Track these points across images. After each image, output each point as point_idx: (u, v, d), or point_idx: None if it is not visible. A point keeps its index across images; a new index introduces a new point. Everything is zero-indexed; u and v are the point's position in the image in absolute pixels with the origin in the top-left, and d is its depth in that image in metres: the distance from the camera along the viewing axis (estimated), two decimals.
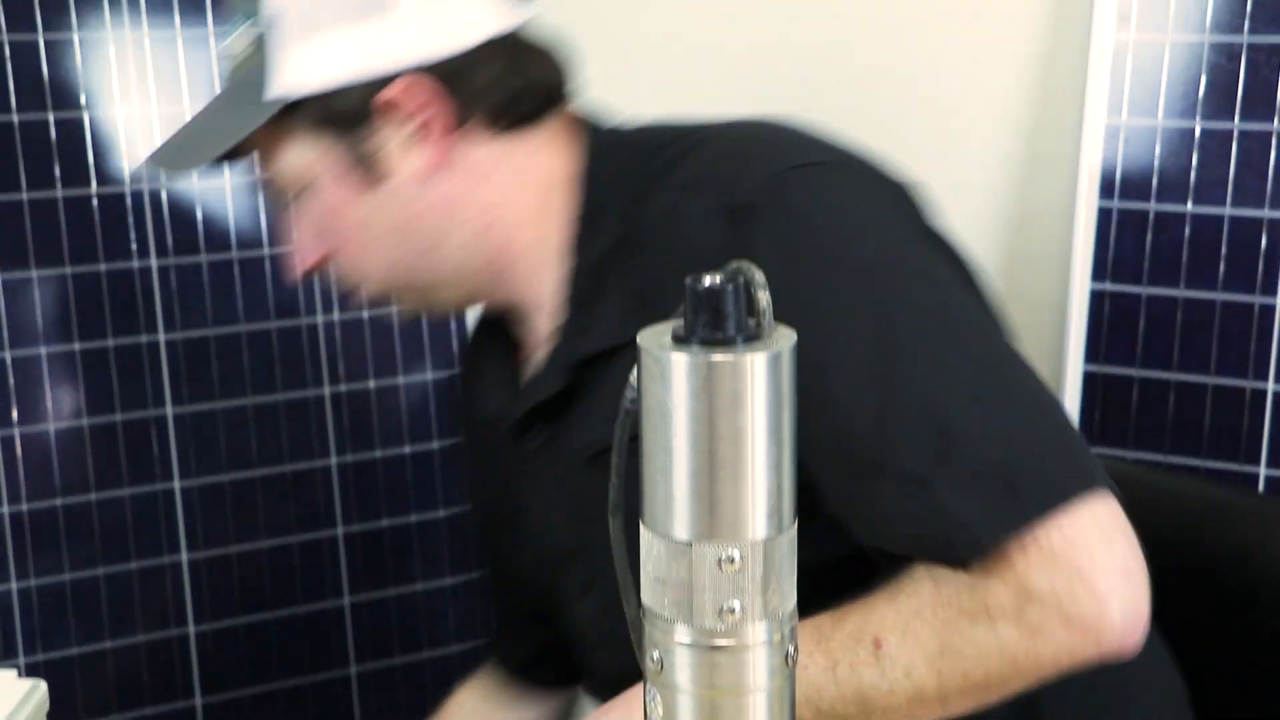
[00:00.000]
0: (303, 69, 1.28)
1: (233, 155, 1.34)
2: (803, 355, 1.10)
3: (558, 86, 1.36)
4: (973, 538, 1.13)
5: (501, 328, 1.45)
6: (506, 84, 1.31)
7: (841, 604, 1.18)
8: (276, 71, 1.29)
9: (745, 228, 1.19)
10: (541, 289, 1.34)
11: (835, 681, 1.15)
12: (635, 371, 0.70)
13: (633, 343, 1.12)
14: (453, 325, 2.20)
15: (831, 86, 2.09)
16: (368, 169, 1.30)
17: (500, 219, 1.33)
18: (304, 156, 1.31)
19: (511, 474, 1.45)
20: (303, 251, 1.36)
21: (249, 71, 1.31)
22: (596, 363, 1.29)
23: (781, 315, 1.15)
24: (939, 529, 1.14)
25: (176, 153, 1.38)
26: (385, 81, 1.28)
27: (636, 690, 1.17)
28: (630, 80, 2.23)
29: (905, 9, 2.10)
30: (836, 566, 1.21)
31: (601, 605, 1.34)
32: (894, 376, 1.16)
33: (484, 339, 1.50)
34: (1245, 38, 1.84)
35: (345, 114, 1.29)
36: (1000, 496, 1.13)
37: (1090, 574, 1.11)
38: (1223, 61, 1.86)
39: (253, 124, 1.30)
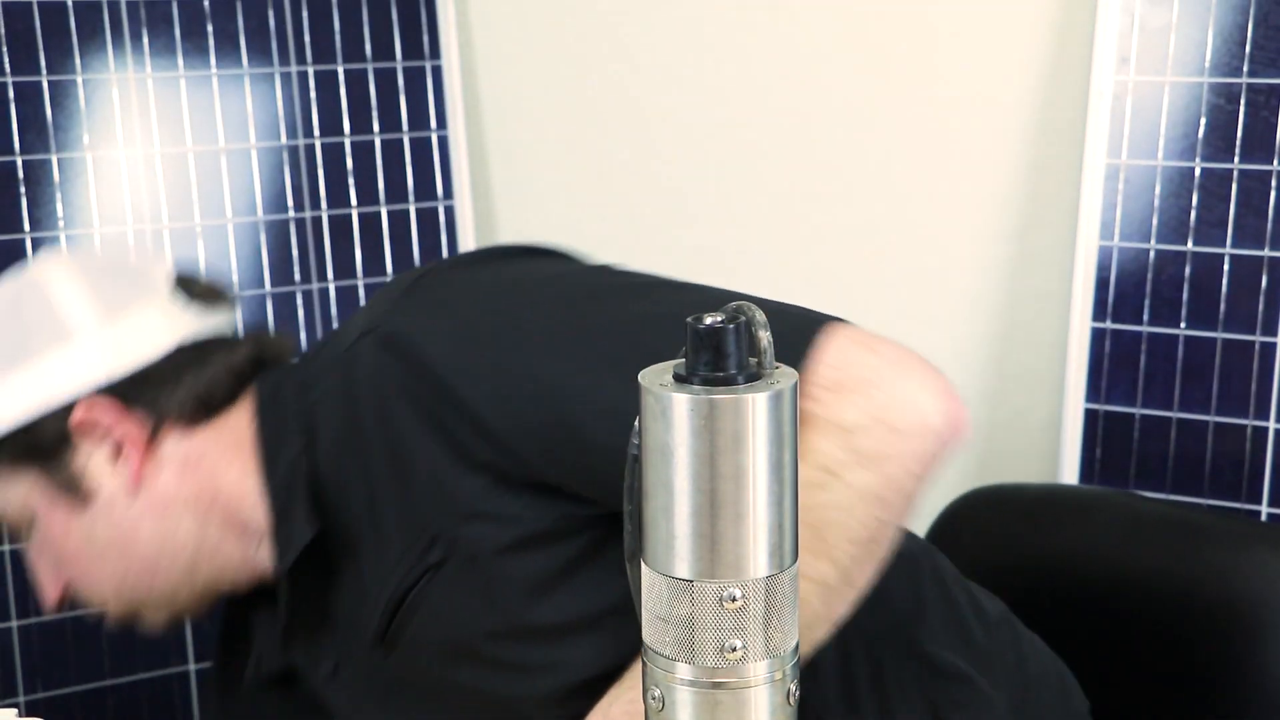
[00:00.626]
0: None
1: None
2: (505, 394, 1.14)
3: (245, 367, 1.39)
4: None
5: (259, 599, 1.46)
6: (192, 385, 1.35)
7: None
8: None
9: (395, 351, 1.23)
10: (263, 553, 1.37)
11: None
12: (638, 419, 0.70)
13: (327, 528, 1.23)
14: None
15: (832, 127, 2.10)
16: (75, 491, 1.33)
17: (219, 490, 1.35)
18: (16, 492, 1.35)
19: (303, 711, 1.46)
20: (45, 583, 1.39)
21: None
22: (321, 559, 1.31)
23: (471, 377, 1.16)
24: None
25: None
26: (71, 407, 1.31)
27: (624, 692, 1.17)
28: (637, 81, 2.23)
29: (906, 50, 2.11)
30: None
31: None
32: (577, 364, 1.19)
33: (236, 607, 1.50)
34: (1244, 79, 1.85)
35: (42, 444, 1.32)
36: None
37: (880, 381, 1.11)
38: (1222, 102, 1.87)
39: None
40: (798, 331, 1.13)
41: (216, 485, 1.34)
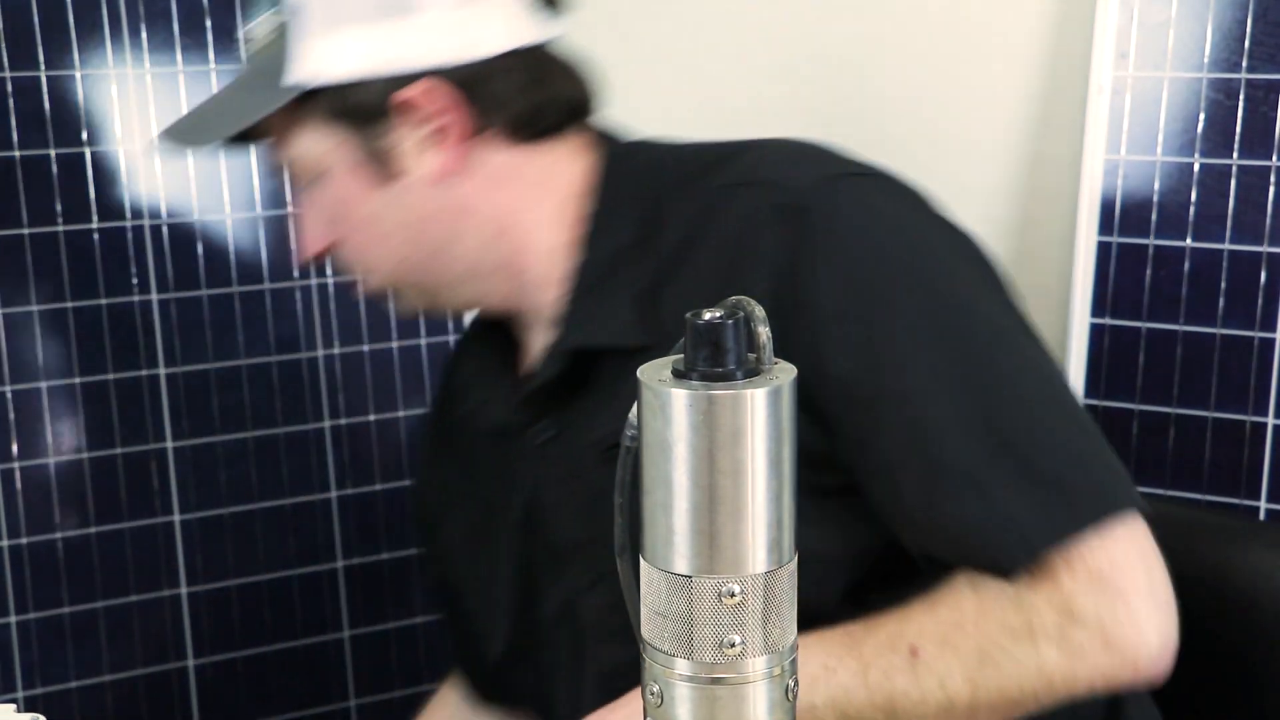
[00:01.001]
0: (323, 60, 1.28)
1: (247, 137, 1.34)
2: (868, 360, 1.11)
3: (580, 102, 1.36)
4: (1025, 540, 1.14)
5: (501, 331, 1.45)
6: (527, 96, 1.31)
7: (876, 613, 1.18)
8: (296, 60, 1.29)
9: (799, 227, 1.19)
10: (549, 293, 1.34)
11: (866, 686, 1.14)
12: (635, 409, 0.70)
13: (653, 345, 1.13)
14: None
15: (831, 123, 2.10)
16: (381, 165, 1.30)
17: (515, 225, 1.33)
18: (318, 146, 1.31)
19: (505, 469, 1.44)
20: (309, 237, 1.36)
21: (269, 57, 1.31)
22: (608, 359, 1.28)
23: (846, 317, 1.16)
24: (991, 530, 1.15)
25: (190, 130, 1.38)
26: (404, 81, 1.28)
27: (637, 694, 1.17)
28: (636, 79, 2.23)
29: (905, 45, 2.11)
30: (871, 564, 1.22)
31: (611, 599, 1.33)
32: (954, 379, 1.17)
33: (478, 341, 1.49)
34: (1243, 74, 1.85)
35: (362, 108, 1.29)
36: (1054, 502, 1.14)
37: (1133, 598, 1.12)
38: (1221, 98, 1.87)
39: (268, 108, 1.30)
40: (1111, 498, 1.15)
41: (516, 218, 1.32)
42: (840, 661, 1.15)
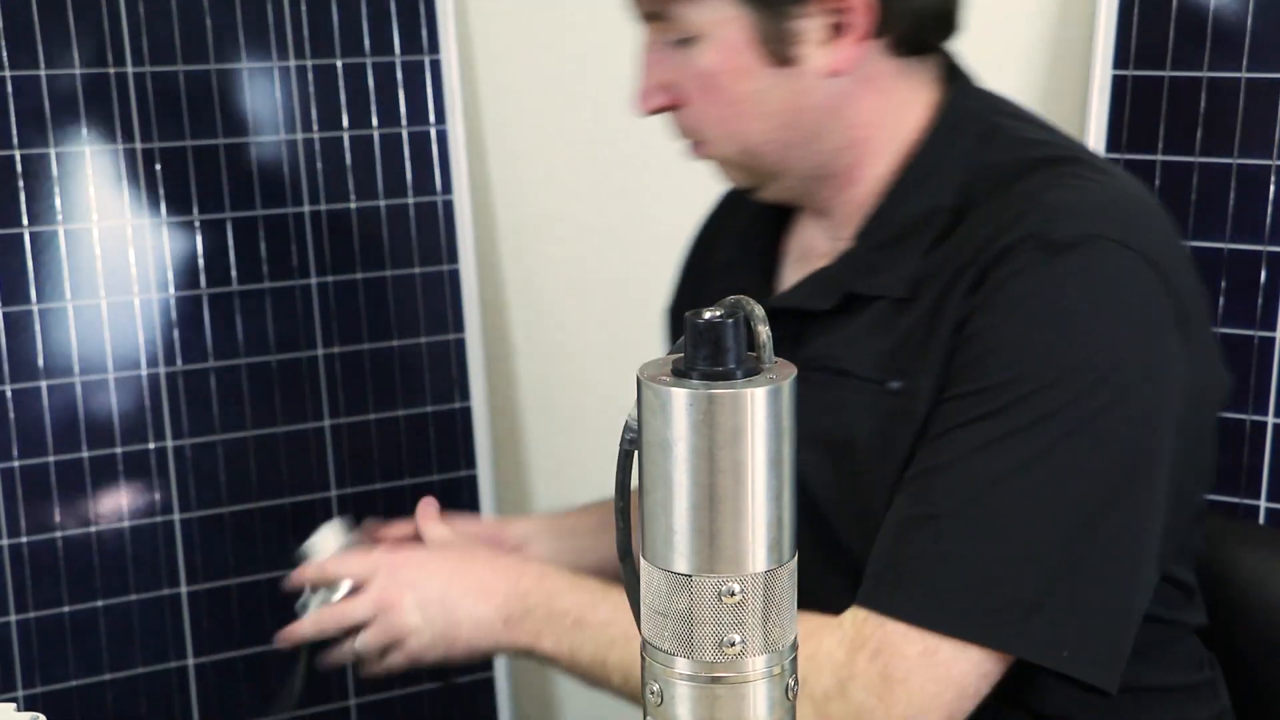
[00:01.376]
0: None
1: None
2: (959, 396, 1.16)
3: (952, 21, 1.35)
4: (887, 594, 1.17)
5: (780, 212, 1.45)
6: (929, 7, 1.31)
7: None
8: None
9: (1022, 262, 1.19)
10: (855, 213, 1.35)
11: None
12: (635, 409, 0.70)
13: (912, 299, 1.22)
14: (453, 362, 2.20)
15: None
16: (779, 46, 1.28)
17: (867, 139, 1.33)
18: (714, 13, 1.29)
19: None
20: (654, 93, 1.34)
21: None
22: (869, 299, 1.30)
23: (979, 351, 1.17)
24: (891, 565, 1.18)
25: None
26: None
27: None
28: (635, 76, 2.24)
29: None
30: None
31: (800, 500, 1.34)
32: (999, 479, 1.17)
33: (758, 209, 1.47)
34: (1243, 74, 1.85)
35: None
36: (939, 587, 1.16)
37: (901, 715, 1.15)
38: (1221, 98, 1.87)
39: None
40: (989, 623, 1.16)
41: (870, 132, 1.32)
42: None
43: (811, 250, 1.40)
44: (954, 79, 1.36)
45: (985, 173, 1.28)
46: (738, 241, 1.50)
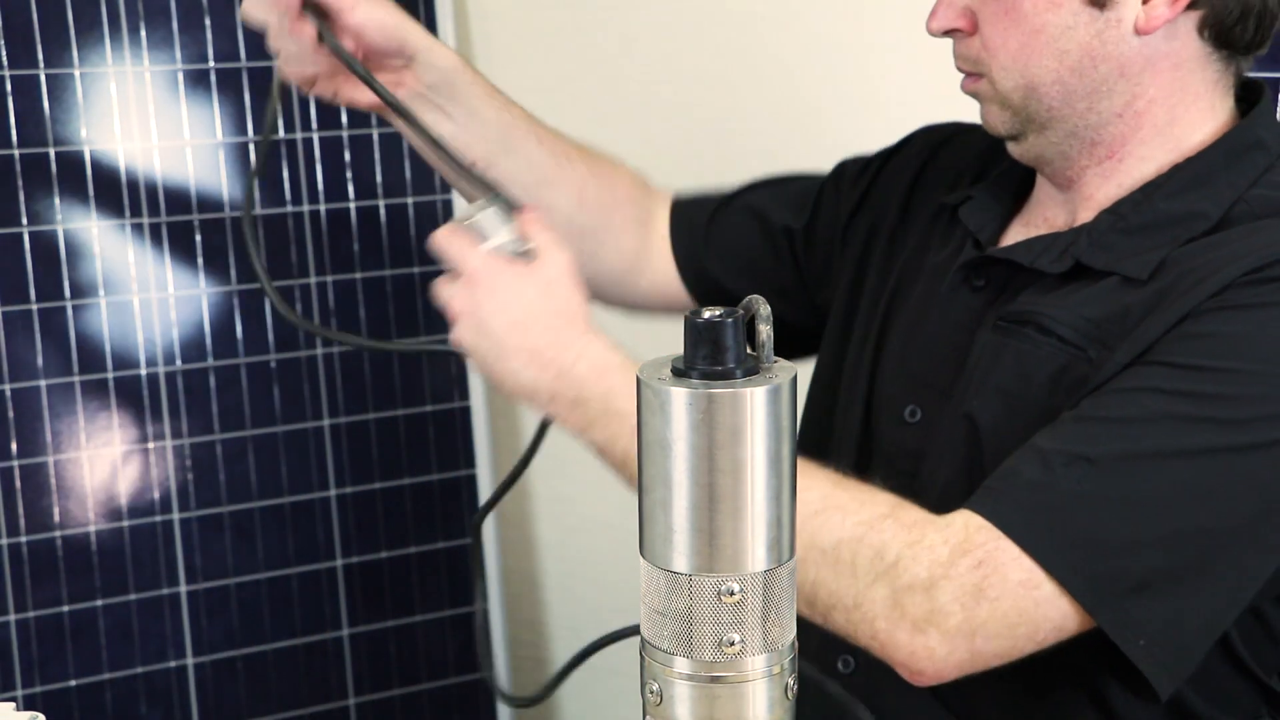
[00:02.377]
0: None
1: None
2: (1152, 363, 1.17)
3: (1268, 25, 1.32)
4: (1005, 508, 1.15)
5: (1019, 175, 1.44)
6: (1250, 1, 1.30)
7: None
8: None
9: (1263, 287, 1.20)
10: (1104, 189, 1.34)
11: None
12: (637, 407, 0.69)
13: (1144, 282, 1.22)
14: (452, 362, 2.20)
15: (831, 121, 2.10)
16: None
17: (1146, 114, 1.32)
18: None
19: (914, 269, 1.46)
20: (948, 12, 1.33)
21: None
22: (1099, 273, 1.29)
23: (1211, 337, 1.17)
24: (1004, 479, 1.17)
25: None
26: None
27: None
28: (635, 76, 2.23)
29: (906, 44, 2.11)
30: None
31: (947, 450, 1.35)
32: (1148, 451, 1.17)
33: (1004, 161, 1.45)
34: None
35: None
36: (1055, 516, 1.15)
37: (973, 633, 1.14)
38: None
39: None
40: (1092, 579, 1.15)
41: (1152, 110, 1.31)
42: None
43: (1039, 214, 1.40)
44: (1255, 103, 1.35)
45: (1256, 200, 1.28)
46: (978, 181, 1.48)
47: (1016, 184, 1.44)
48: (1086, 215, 1.34)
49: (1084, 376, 1.23)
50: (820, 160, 1.65)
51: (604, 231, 1.60)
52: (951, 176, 1.52)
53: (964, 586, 1.14)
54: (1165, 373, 1.18)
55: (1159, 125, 1.32)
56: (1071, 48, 1.29)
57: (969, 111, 1.41)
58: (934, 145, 1.56)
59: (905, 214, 1.52)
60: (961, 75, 1.36)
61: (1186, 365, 1.17)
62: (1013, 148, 1.35)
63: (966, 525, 1.16)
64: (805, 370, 1.40)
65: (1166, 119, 1.31)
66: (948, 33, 1.34)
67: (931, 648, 1.14)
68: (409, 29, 1.42)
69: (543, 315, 1.27)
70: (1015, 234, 1.40)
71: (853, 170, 1.60)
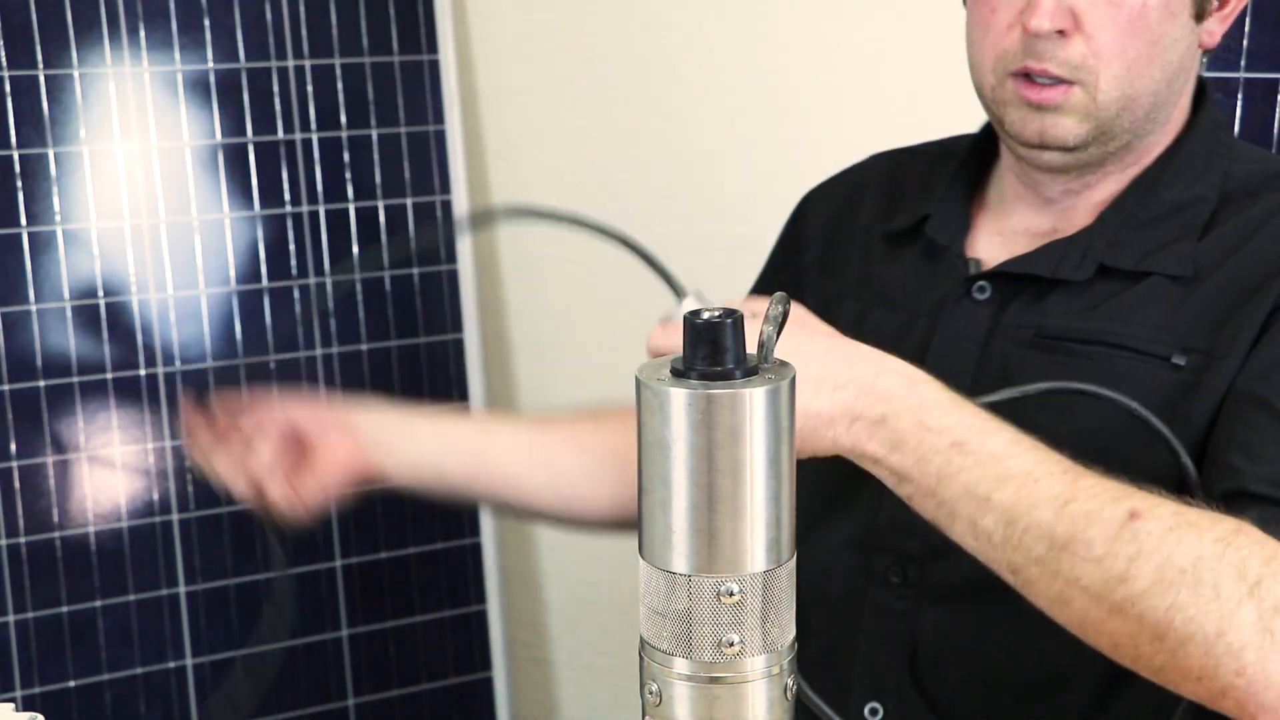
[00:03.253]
0: None
1: None
2: None
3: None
4: None
5: (977, 168, 1.44)
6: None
7: None
8: None
9: None
10: (1106, 189, 1.34)
11: (1056, 511, 1.06)
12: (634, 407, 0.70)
13: (1194, 278, 1.24)
14: (451, 362, 2.20)
15: (831, 122, 2.10)
16: (1197, 3, 1.30)
17: (1171, 120, 1.34)
18: None
19: (891, 290, 1.43)
20: (1056, 11, 1.28)
21: None
22: (1131, 274, 1.29)
23: None
24: None
25: None
26: None
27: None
28: (634, 75, 2.23)
29: (906, 44, 2.11)
30: None
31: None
32: None
33: (952, 168, 1.46)
34: (1242, 74, 1.85)
35: None
36: None
37: None
38: (1219, 97, 1.87)
39: None
40: None
41: (1177, 112, 1.34)
42: (1049, 478, 1.07)
43: (1014, 222, 1.39)
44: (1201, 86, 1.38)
45: (1242, 175, 1.30)
46: (933, 204, 1.45)
47: (967, 191, 1.43)
48: (1083, 216, 1.33)
49: (1179, 383, 1.22)
50: (820, 161, 1.65)
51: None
52: (881, 208, 1.49)
53: None
54: None
55: (1173, 125, 1.34)
56: (1173, 59, 1.28)
57: (959, 112, 1.41)
58: (837, 203, 1.55)
59: (825, 267, 1.50)
60: (1019, 79, 1.30)
61: None
62: (1053, 157, 1.30)
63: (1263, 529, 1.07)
64: None
65: (1177, 118, 1.34)
66: (1049, 33, 1.28)
67: None
68: (381, 453, 1.45)
69: (815, 345, 1.16)
70: (989, 243, 1.39)
71: (776, 264, 1.59)
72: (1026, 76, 1.27)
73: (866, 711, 1.32)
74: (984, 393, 1.22)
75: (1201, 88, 1.37)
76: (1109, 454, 1.14)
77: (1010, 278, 1.32)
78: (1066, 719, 1.26)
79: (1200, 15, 1.28)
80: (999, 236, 1.39)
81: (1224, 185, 1.30)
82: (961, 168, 1.42)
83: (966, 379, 1.30)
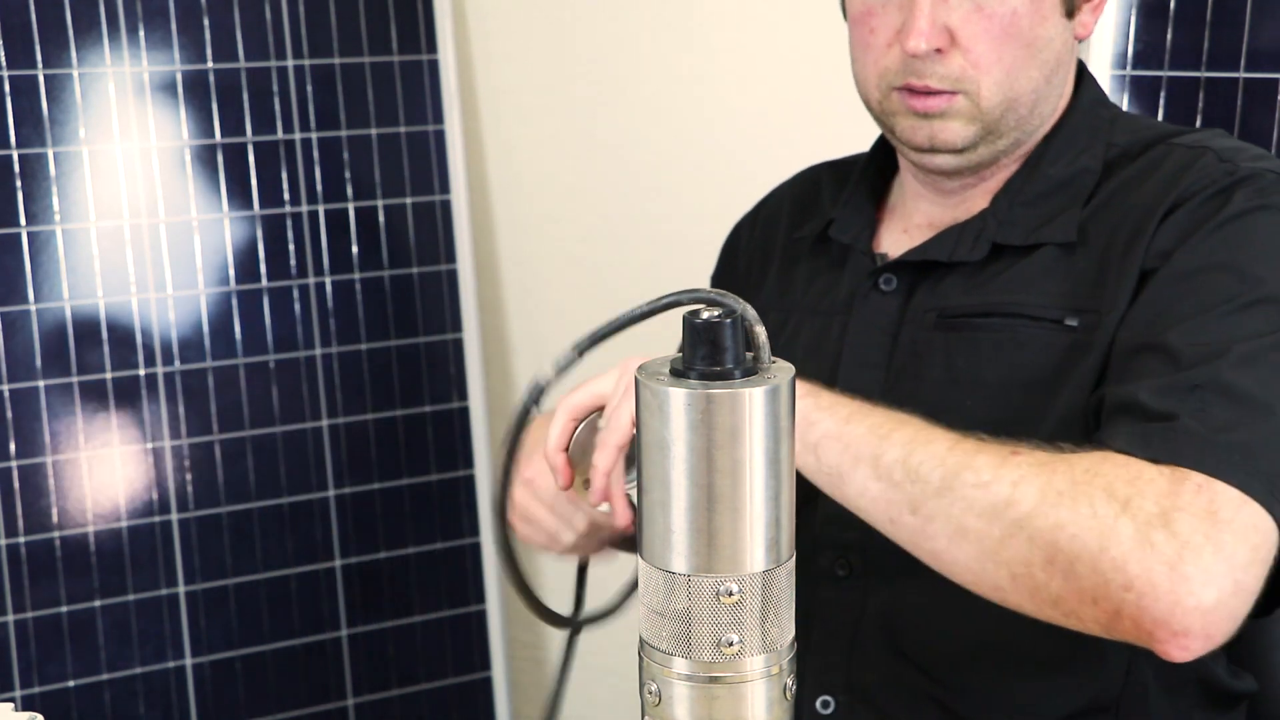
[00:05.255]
0: None
1: None
2: (1185, 261, 1.20)
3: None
4: (1189, 448, 1.12)
5: (876, 174, 1.48)
6: None
7: None
8: None
9: (1234, 186, 1.25)
10: (996, 175, 1.38)
11: (948, 448, 1.14)
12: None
13: (1079, 244, 1.28)
14: (450, 362, 2.20)
15: (829, 122, 2.10)
16: (1067, 1, 1.35)
17: (1054, 109, 1.38)
18: None
19: (812, 298, 1.47)
20: (934, 31, 1.33)
21: None
22: (1022, 248, 1.34)
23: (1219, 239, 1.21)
24: (1172, 424, 1.14)
25: None
26: None
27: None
28: (632, 76, 2.23)
29: None
30: None
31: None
32: (1225, 316, 1.19)
33: (851, 175, 1.51)
34: (1241, 74, 1.85)
35: None
36: (1234, 450, 1.12)
37: (1224, 558, 1.08)
38: (1219, 98, 1.87)
39: None
40: (1266, 480, 1.12)
41: (1059, 101, 1.38)
42: (938, 429, 1.16)
43: (915, 218, 1.43)
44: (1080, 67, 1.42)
45: (1124, 143, 1.35)
46: (837, 209, 1.49)
47: (870, 195, 1.47)
48: (979, 203, 1.38)
49: (1072, 344, 1.26)
50: (818, 159, 1.65)
51: None
52: (792, 223, 1.54)
53: (1198, 513, 1.08)
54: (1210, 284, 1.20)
55: (1055, 111, 1.38)
56: (1050, 57, 1.34)
57: None
58: (760, 226, 1.59)
59: (751, 286, 1.54)
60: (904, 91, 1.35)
61: (1229, 277, 1.20)
62: (944, 160, 1.35)
63: (1158, 466, 1.12)
64: None
65: (1058, 104, 1.38)
66: (931, 51, 1.33)
67: (1194, 591, 1.06)
68: None
69: None
70: (895, 240, 1.43)
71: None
72: (910, 89, 1.33)
73: (818, 705, 1.34)
74: (901, 379, 1.34)
75: (1080, 68, 1.42)
76: (1019, 416, 1.25)
77: (912, 266, 1.37)
78: (1026, 682, 1.28)
79: (1071, 11, 1.34)
80: (904, 234, 1.43)
81: (1107, 155, 1.35)
82: (863, 174, 1.47)
83: (880, 368, 1.37)
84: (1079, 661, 1.26)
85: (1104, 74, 1.94)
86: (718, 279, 1.62)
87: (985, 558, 1.12)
